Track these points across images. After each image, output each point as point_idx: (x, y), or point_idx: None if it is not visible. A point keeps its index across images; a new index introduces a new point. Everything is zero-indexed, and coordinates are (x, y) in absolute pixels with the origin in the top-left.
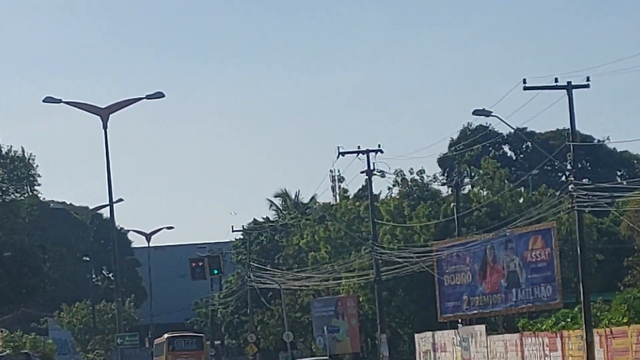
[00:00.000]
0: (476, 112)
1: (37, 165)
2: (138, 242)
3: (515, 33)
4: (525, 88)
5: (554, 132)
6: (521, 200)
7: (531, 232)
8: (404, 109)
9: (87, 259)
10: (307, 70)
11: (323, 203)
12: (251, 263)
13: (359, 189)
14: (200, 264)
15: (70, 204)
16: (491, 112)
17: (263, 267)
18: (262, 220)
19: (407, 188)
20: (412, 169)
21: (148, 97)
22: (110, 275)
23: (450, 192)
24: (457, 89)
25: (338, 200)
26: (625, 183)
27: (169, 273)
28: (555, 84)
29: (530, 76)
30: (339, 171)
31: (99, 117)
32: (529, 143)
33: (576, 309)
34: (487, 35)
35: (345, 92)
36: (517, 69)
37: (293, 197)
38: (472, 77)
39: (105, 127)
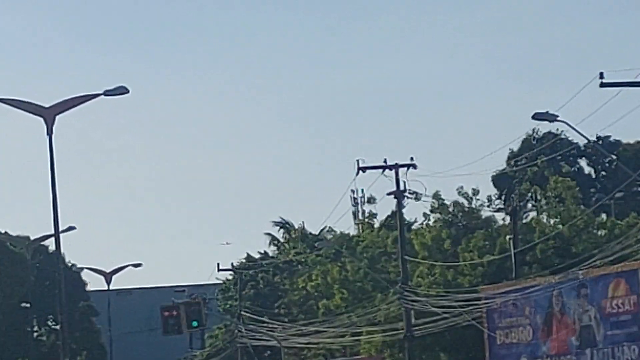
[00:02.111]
0: (537, 117)
1: None
2: (95, 283)
3: (593, 15)
4: (603, 85)
5: None
6: (601, 233)
7: (612, 275)
8: (444, 112)
9: (28, 305)
10: (315, 63)
11: (339, 233)
12: (243, 312)
13: (387, 216)
14: (176, 313)
15: (5, 232)
16: (557, 116)
17: (259, 317)
18: (258, 255)
19: (449, 215)
20: (461, 187)
21: (107, 93)
22: (57, 327)
23: (507, 220)
24: (517, 84)
25: (360, 230)
26: None
27: (135, 325)
28: None
29: (609, 69)
30: (362, 191)
31: (42, 120)
32: (613, 156)
33: None
34: (554, 17)
35: (365, 91)
36: (594, 61)
37: (297, 226)
38: (537, 70)
39: (50, 133)
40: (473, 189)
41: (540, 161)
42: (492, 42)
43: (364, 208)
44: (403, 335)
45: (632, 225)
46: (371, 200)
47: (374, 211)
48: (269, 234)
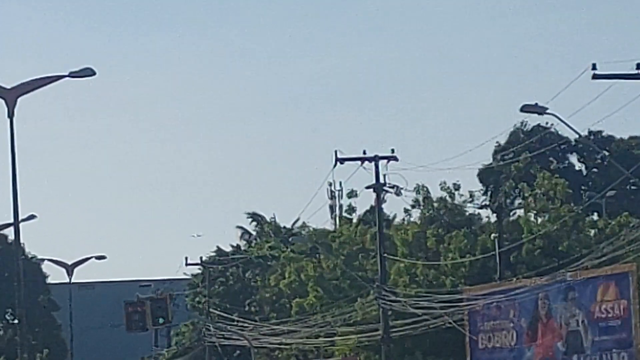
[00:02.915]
0: (526, 109)
1: None
2: (56, 276)
3: (586, 2)
4: (595, 77)
5: None
6: (591, 233)
7: (601, 277)
8: (427, 102)
9: None
10: (290, 49)
11: (314, 229)
12: (212, 310)
13: (366, 211)
14: (140, 309)
15: None
16: (546, 108)
17: (228, 315)
18: (230, 249)
19: (431, 211)
20: (444, 182)
21: (72, 75)
22: (15, 321)
23: (492, 218)
24: (505, 74)
25: (337, 225)
26: None
27: (98, 320)
28: (637, 71)
29: (602, 60)
30: (340, 184)
31: (2, 101)
32: (605, 152)
33: None
34: (545, 4)
35: (344, 79)
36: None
37: (269, 219)
38: (527, 60)
39: (10, 116)
40: (454, 184)
41: (525, 157)
42: (478, 29)
43: (342, 202)
44: (380, 337)
45: (624, 225)
46: (351, 194)
47: (354, 205)
48: (240, 227)
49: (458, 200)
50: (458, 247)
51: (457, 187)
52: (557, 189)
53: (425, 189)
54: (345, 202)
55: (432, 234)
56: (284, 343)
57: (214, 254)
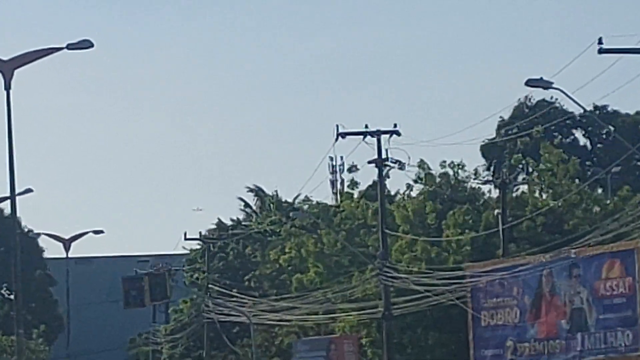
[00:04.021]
0: (531, 83)
1: None
2: (53, 250)
3: None
4: (602, 51)
5: None
6: (596, 209)
7: (606, 254)
8: (431, 76)
9: None
10: (292, 25)
11: (316, 203)
12: (211, 285)
13: (369, 186)
14: (138, 284)
15: None
16: (552, 83)
17: (227, 291)
18: (230, 223)
19: (433, 186)
20: (445, 161)
21: (70, 47)
22: (11, 296)
23: (495, 193)
24: (510, 48)
25: (339, 200)
26: None
27: (96, 296)
28: None
29: (608, 34)
30: (341, 159)
31: None
32: (610, 127)
33: None
34: None
35: (346, 54)
36: (594, 25)
37: (271, 193)
38: (532, 33)
39: (7, 88)
40: (457, 163)
41: (535, 131)
42: (483, 2)
43: (343, 177)
44: (381, 314)
45: (628, 200)
46: (353, 168)
47: (356, 180)
48: (241, 198)
49: (462, 175)
50: (459, 222)
51: (460, 166)
52: (567, 166)
53: (426, 165)
54: (347, 177)
55: (431, 209)
56: (284, 320)
57: (214, 227)
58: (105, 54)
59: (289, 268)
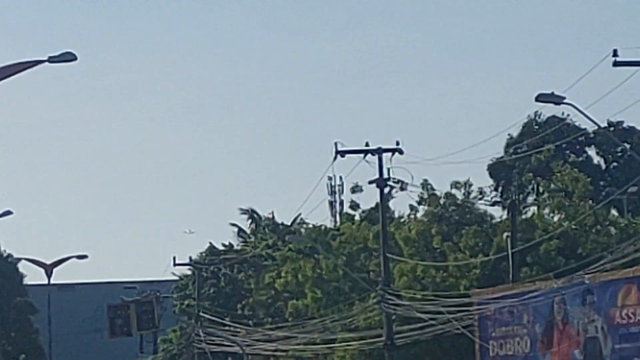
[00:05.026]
0: (541, 98)
1: None
2: (34, 277)
3: None
4: (617, 64)
5: None
6: (612, 230)
7: (622, 280)
8: (435, 91)
9: None
10: (287, 34)
11: (313, 226)
12: (202, 313)
13: (371, 208)
14: (125, 312)
15: None
16: (563, 98)
17: (219, 320)
18: (222, 248)
19: (438, 207)
20: (459, 182)
21: (52, 60)
22: None
23: (504, 215)
24: (519, 61)
25: (338, 223)
26: None
27: (79, 325)
28: None
29: (624, 46)
30: (341, 178)
31: None
32: (626, 144)
33: None
34: None
35: (345, 66)
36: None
37: (266, 215)
38: (543, 45)
39: None
40: (464, 183)
41: (546, 149)
42: (490, 13)
43: (343, 198)
44: (383, 344)
45: None
46: (356, 189)
47: (357, 201)
48: (234, 224)
49: (469, 196)
50: (468, 245)
51: (465, 184)
52: (577, 185)
53: (429, 186)
54: (346, 197)
55: (437, 232)
56: (280, 349)
57: (205, 252)
58: (88, 66)
59: (285, 294)
